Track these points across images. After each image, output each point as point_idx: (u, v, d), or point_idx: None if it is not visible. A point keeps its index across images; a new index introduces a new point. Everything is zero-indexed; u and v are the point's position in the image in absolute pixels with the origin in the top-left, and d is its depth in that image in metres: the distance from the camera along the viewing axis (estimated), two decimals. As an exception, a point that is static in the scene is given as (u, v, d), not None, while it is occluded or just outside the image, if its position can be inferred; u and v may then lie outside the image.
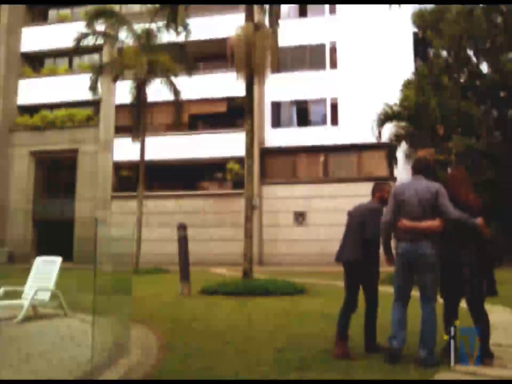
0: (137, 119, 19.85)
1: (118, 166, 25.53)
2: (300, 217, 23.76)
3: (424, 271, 4.42)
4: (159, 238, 23.10)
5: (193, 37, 18.75)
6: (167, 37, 18.44)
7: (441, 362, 4.30)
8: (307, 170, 24.61)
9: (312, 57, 25.34)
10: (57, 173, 27.42)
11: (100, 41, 20.19)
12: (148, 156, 20.34)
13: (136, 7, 23.50)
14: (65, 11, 28.97)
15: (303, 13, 26.27)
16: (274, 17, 13.01)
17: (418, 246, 4.39)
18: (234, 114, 23.72)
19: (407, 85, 22.71)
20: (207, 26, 23.82)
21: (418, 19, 23.11)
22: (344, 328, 4.77)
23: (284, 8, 24.80)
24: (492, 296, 4.75)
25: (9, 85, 27.49)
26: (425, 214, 4.40)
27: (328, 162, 24.49)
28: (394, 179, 21.47)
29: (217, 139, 24.39)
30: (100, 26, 19.54)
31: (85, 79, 20.34)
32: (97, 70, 19.96)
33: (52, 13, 29.37)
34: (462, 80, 23.12)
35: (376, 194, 5.10)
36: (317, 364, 4.39)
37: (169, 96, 20.85)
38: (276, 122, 25.44)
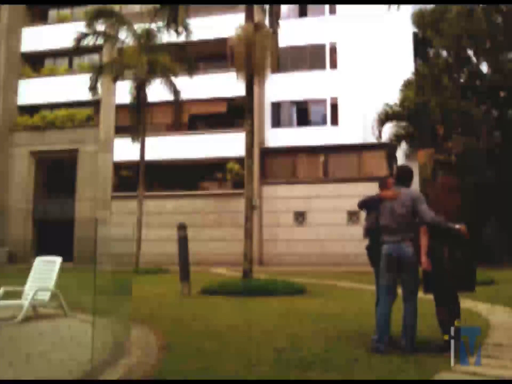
0: (137, 119, 19.86)
1: (118, 166, 25.52)
2: (300, 217, 23.75)
3: (407, 270, 4.86)
4: (159, 238, 23.08)
5: (194, 37, 18.74)
6: (167, 37, 18.42)
7: (441, 362, 4.30)
8: (307, 170, 24.60)
9: (312, 57, 25.32)
10: (57, 173, 27.36)
11: (100, 41, 20.19)
12: (148, 156, 20.34)
13: (136, 7, 23.46)
14: (65, 11, 28.94)
15: (303, 13, 26.25)
16: (274, 17, 13.00)
17: (400, 246, 4.84)
18: (234, 114, 23.70)
19: (407, 85, 22.72)
20: (207, 26, 23.80)
21: (418, 19, 23.07)
22: None
23: (284, 8, 24.78)
24: (469, 292, 4.99)
25: (9, 85, 27.46)
26: (407, 218, 4.89)
27: (328, 162, 24.48)
28: (395, 179, 21.45)
29: (217, 139, 24.37)
30: (100, 26, 19.55)
31: (85, 79, 20.32)
32: (97, 70, 19.96)
33: (52, 13, 29.31)
34: (462, 80, 23.10)
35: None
36: (317, 364, 4.39)
37: (169, 96, 20.86)
38: (276, 122, 25.42)
